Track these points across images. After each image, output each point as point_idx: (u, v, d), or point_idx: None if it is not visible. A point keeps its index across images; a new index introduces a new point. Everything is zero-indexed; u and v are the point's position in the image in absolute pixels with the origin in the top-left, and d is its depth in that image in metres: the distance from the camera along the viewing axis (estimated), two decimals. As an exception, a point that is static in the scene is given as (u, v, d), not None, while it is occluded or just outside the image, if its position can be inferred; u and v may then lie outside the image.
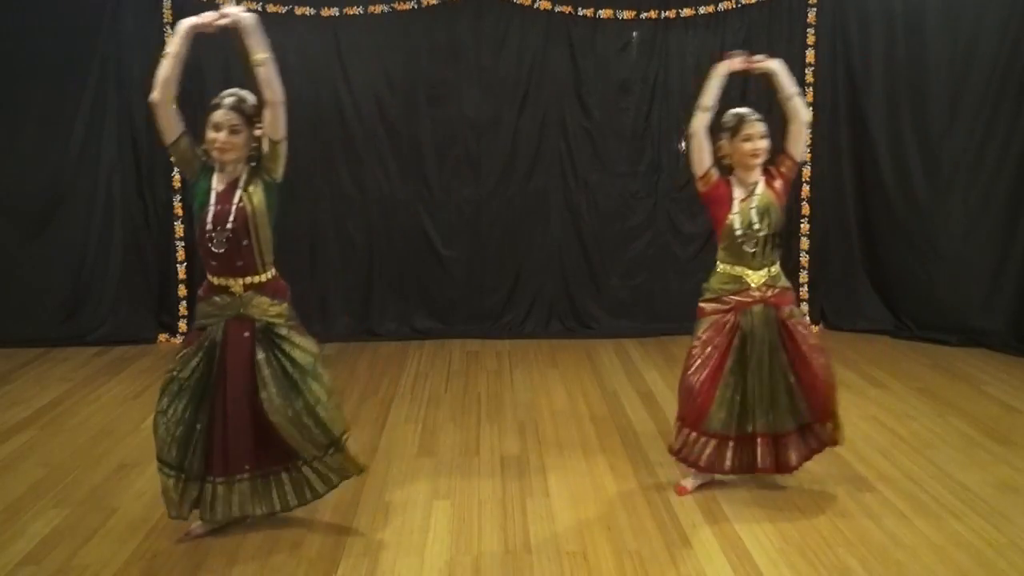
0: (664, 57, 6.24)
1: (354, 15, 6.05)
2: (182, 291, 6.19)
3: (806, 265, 6.46)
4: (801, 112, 3.56)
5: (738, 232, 3.52)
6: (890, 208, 6.18)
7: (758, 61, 3.57)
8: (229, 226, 3.11)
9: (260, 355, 3.16)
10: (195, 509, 3.26)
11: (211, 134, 3.12)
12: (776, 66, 3.56)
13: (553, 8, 6.15)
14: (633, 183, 6.31)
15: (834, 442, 3.66)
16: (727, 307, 3.56)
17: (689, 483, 3.71)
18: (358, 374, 5.48)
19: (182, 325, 6.20)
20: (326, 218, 6.26)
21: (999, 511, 3.49)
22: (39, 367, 5.62)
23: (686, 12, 6.16)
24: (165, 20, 5.94)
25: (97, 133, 6.07)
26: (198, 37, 3.10)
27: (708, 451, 3.57)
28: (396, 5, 6.07)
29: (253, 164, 3.21)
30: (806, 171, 6.35)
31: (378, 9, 6.07)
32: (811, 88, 6.25)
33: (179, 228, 6.15)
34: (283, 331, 3.19)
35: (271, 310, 3.20)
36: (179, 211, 6.13)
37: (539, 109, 6.27)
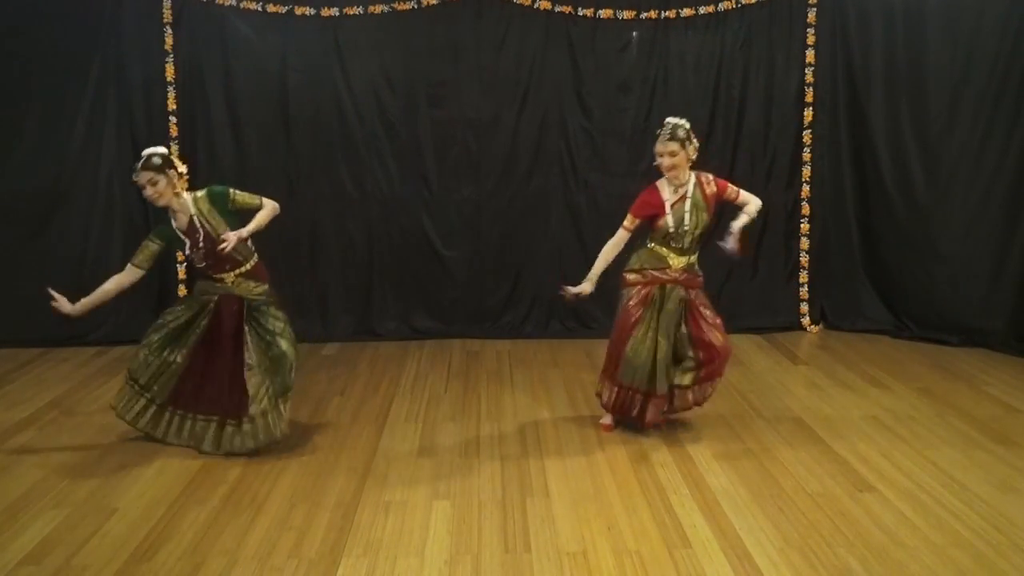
0: (664, 57, 6.24)
1: (354, 15, 6.04)
2: (182, 291, 6.18)
3: (806, 265, 6.46)
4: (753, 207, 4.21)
5: (671, 230, 4.13)
6: (890, 208, 6.18)
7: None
8: (201, 247, 3.99)
9: (245, 326, 4.10)
10: (140, 420, 4.18)
11: (144, 194, 3.98)
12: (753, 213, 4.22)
13: (553, 8, 6.15)
14: (633, 183, 6.26)
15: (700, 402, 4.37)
16: (647, 280, 4.21)
17: (607, 420, 4.43)
18: (358, 374, 5.48)
19: (182, 325, 6.20)
20: (326, 218, 6.25)
21: (999, 511, 3.49)
22: (39, 367, 5.62)
23: (686, 12, 6.17)
24: (165, 20, 5.94)
25: (97, 133, 6.06)
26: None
27: (622, 399, 4.27)
28: (396, 5, 6.07)
29: (191, 193, 4.02)
30: (806, 171, 6.35)
31: (378, 9, 6.06)
32: (811, 88, 6.25)
33: (179, 228, 6.14)
34: (262, 307, 4.13)
35: (255, 290, 4.15)
36: (179, 211, 6.12)
37: (539, 109, 6.27)
